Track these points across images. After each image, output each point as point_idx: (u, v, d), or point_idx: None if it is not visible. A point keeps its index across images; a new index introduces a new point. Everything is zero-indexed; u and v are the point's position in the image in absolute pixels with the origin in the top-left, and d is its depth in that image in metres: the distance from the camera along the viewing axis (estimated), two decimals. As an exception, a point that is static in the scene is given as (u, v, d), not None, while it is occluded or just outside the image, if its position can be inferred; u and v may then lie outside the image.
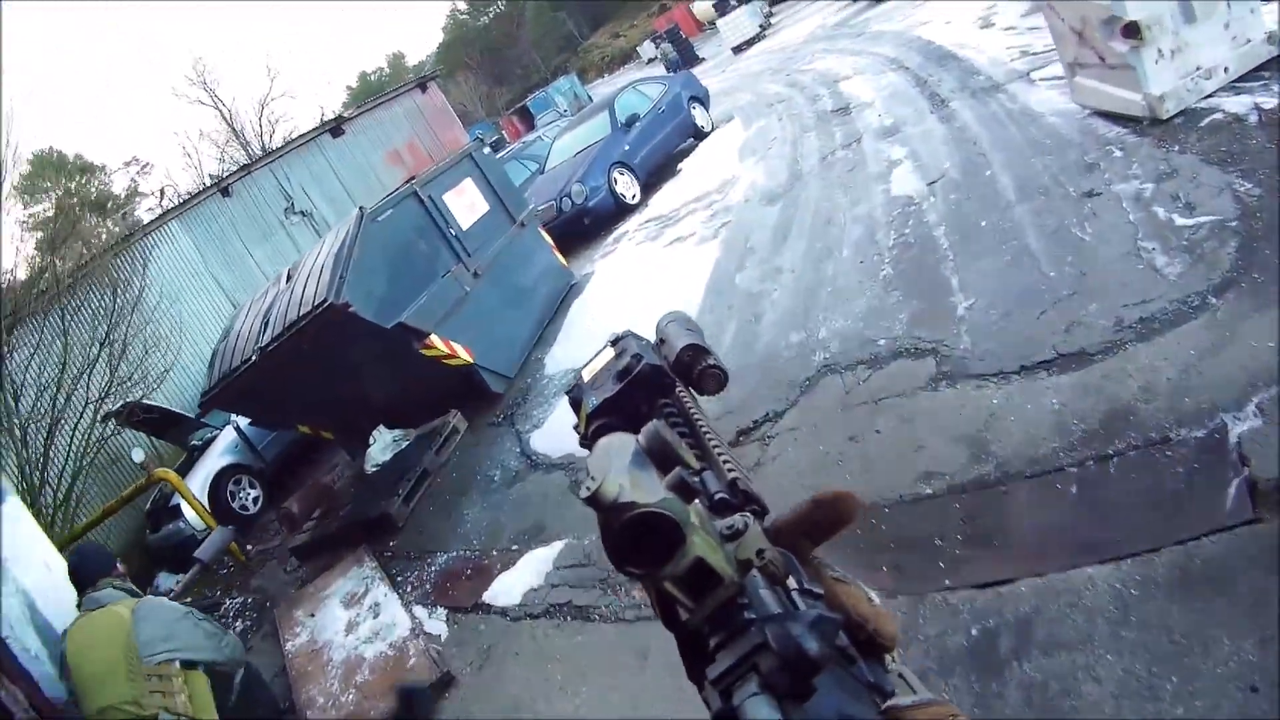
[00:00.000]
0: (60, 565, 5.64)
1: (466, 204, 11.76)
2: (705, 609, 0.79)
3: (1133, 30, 6.98)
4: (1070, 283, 5.97)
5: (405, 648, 6.92)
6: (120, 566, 5.20)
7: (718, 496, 0.94)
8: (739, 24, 36.86)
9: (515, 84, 75.45)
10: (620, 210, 16.73)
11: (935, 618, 4.19)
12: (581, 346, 10.68)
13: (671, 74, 23.66)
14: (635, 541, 0.77)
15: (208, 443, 14.63)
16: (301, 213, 24.02)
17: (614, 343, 1.35)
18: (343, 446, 11.99)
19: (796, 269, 9.22)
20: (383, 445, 10.81)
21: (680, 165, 18.22)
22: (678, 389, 1.24)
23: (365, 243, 9.68)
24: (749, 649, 0.73)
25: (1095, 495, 4.29)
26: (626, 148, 17.54)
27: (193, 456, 14.69)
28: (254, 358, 9.69)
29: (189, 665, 4.67)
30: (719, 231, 12.06)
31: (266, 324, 9.91)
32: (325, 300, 8.99)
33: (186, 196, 23.69)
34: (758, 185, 13.25)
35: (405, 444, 10.76)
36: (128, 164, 56.95)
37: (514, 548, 7.59)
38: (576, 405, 1.28)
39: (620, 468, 0.81)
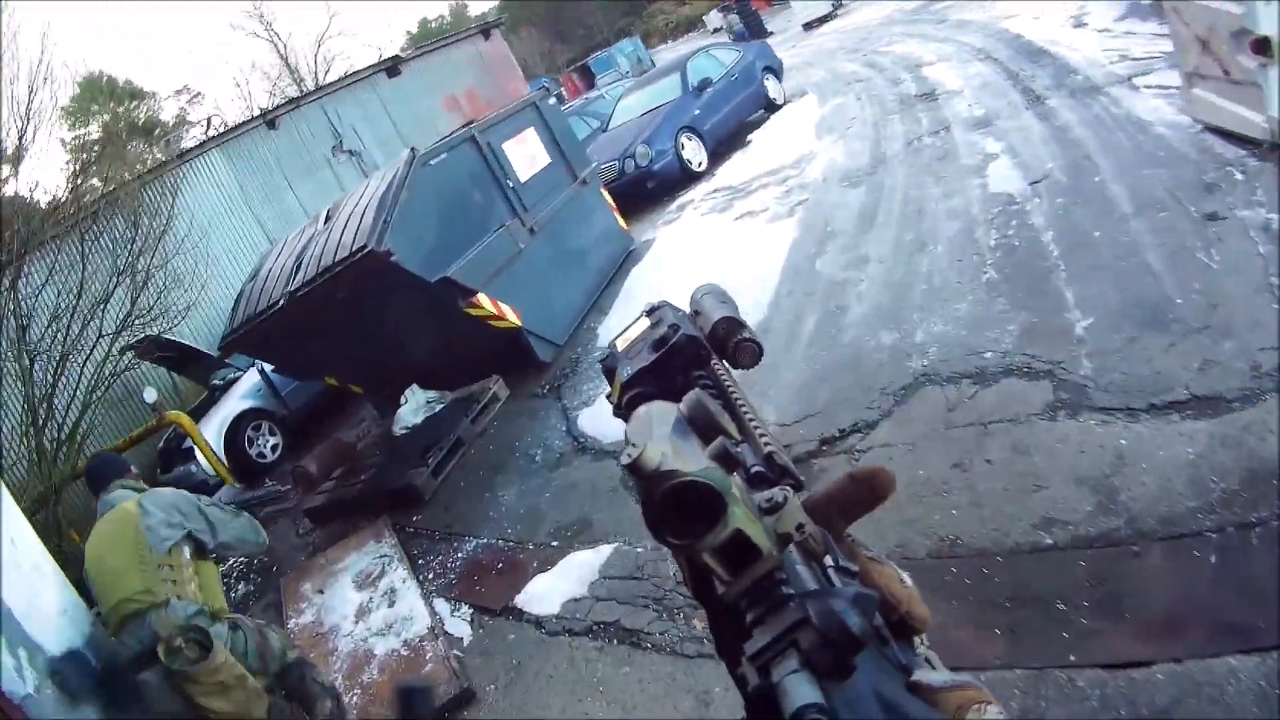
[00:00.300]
0: (28, 538, 5.02)
1: (527, 155, 10.85)
2: (743, 582, 0.79)
3: (1263, 46, 6.26)
4: (1200, 314, 5.31)
5: (422, 649, 6.06)
6: (134, 469, 5.35)
7: (754, 470, 0.94)
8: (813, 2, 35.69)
9: (577, 43, 74.32)
10: (686, 177, 15.79)
11: (1059, 700, 3.58)
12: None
13: (745, 43, 22.55)
14: (676, 511, 0.77)
15: (230, 383, 13.83)
16: (350, 152, 23.00)
17: (649, 312, 1.36)
18: (372, 404, 11.15)
19: (885, 260, 8.40)
20: (415, 406, 9.92)
21: (750, 136, 17.23)
22: (713, 361, 1.23)
23: (415, 187, 8.80)
24: (789, 625, 0.72)
25: (1238, 568, 3.74)
26: (697, 112, 16.56)
27: (213, 396, 13.92)
28: (282, 302, 8.88)
29: (200, 556, 4.84)
30: (795, 210, 11.25)
31: (299, 267, 9.08)
32: (365, 246, 8.14)
33: (230, 126, 22.70)
34: (837, 165, 12.45)
35: (439, 408, 9.90)
36: (178, 92, 56.41)
37: (554, 544, 6.73)
38: (610, 374, 1.28)
39: (662, 435, 0.83)
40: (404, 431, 9.75)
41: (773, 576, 0.78)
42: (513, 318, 9.33)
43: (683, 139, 15.88)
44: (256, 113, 24.58)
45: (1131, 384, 5.01)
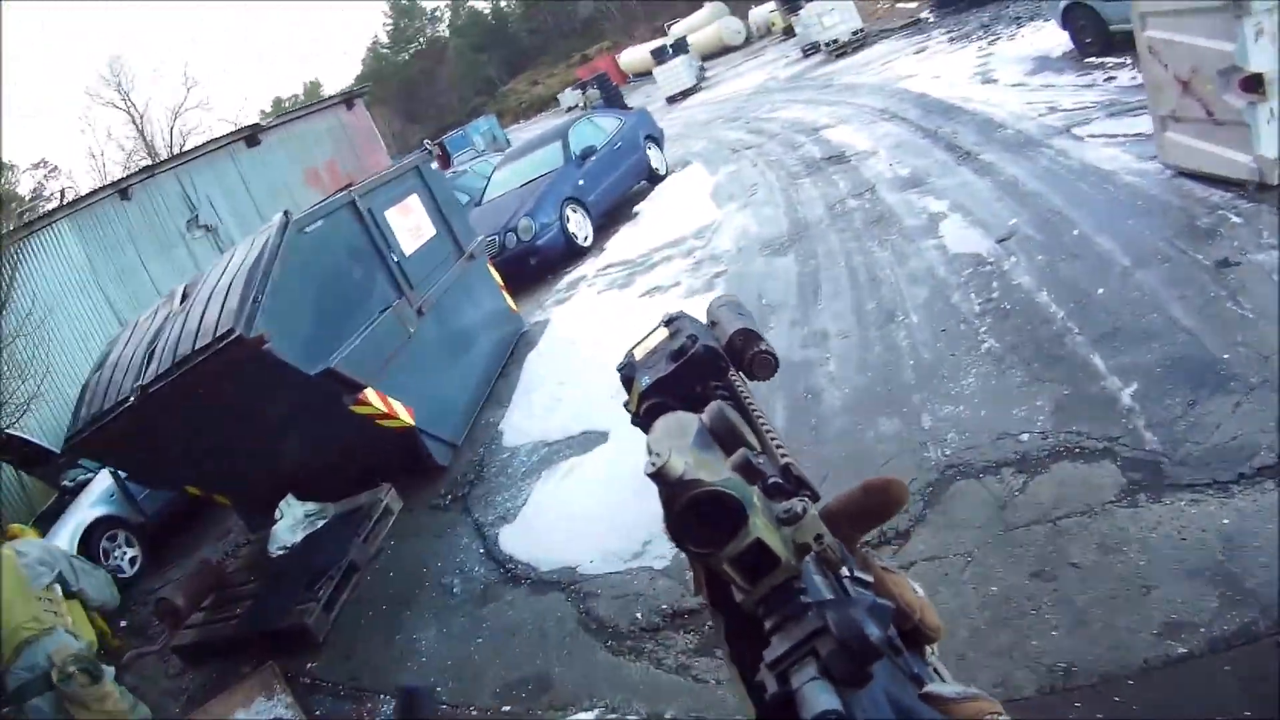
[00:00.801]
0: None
1: (411, 225, 9.54)
2: (760, 590, 0.80)
3: (1254, 83, 6.07)
4: (1254, 367, 4.77)
5: None
6: None
7: (772, 480, 0.94)
8: (676, 74, 35.84)
9: (429, 123, 73.77)
10: (571, 252, 14.72)
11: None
12: (548, 413, 8.70)
13: (625, 110, 21.69)
14: (697, 520, 0.79)
15: (81, 485, 12.07)
16: (206, 227, 21.43)
17: (668, 322, 1.38)
18: (241, 517, 9.57)
19: (849, 334, 7.48)
20: (292, 522, 8.36)
21: (637, 208, 16.31)
22: (730, 373, 1.24)
23: (289, 259, 7.40)
24: (808, 633, 0.74)
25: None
26: (581, 183, 15.51)
27: (64, 500, 12.14)
28: (131, 399, 7.33)
29: (68, 596, 5.29)
30: (713, 283, 10.35)
31: (151, 356, 7.54)
32: (232, 331, 6.72)
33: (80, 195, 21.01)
34: (750, 233, 11.70)
35: (321, 523, 8.35)
36: (36, 165, 53.89)
37: (505, 710, 5.29)
38: (628, 383, 1.28)
39: (684, 445, 0.87)
40: (281, 551, 8.19)
41: (791, 585, 0.78)
42: (405, 416, 7.95)
43: (567, 211, 14.76)
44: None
45: (1210, 454, 4.35)
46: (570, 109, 50.53)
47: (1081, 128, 9.49)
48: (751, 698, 0.84)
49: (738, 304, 1.44)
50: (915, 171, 10.74)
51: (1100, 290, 6.21)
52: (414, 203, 9.81)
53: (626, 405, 1.31)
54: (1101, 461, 4.66)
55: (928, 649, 0.89)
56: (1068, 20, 12.47)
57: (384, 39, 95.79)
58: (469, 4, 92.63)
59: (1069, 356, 5.67)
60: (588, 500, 6.70)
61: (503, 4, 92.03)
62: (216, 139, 24.16)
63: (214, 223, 21.70)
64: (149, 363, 7.46)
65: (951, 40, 19.21)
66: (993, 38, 17.23)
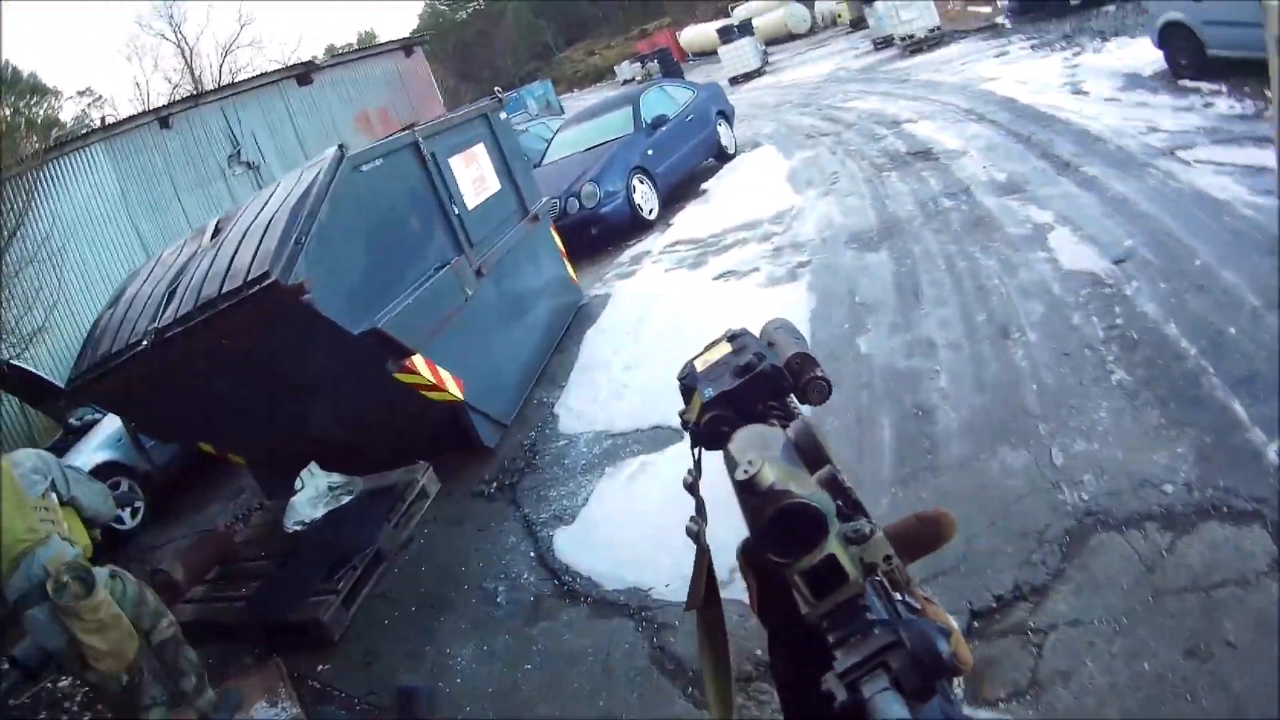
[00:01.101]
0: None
1: (474, 177, 8.59)
2: (827, 605, 0.84)
3: None
4: None
5: None
6: None
7: (837, 501, 0.96)
8: (742, 54, 34.85)
9: (484, 84, 73.00)
10: (635, 224, 13.77)
11: None
12: (613, 399, 7.84)
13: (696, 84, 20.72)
14: (780, 530, 0.84)
15: (89, 425, 11.20)
16: (248, 164, 20.43)
17: (731, 338, 1.39)
18: (257, 480, 8.64)
19: (960, 347, 6.59)
20: (313, 494, 7.42)
21: (704, 186, 15.32)
22: (789, 395, 1.26)
23: (340, 199, 6.40)
24: (880, 646, 0.78)
25: None
26: (650, 152, 14.52)
27: (68, 439, 11.26)
28: (145, 343, 6.43)
29: (62, 504, 5.11)
30: (797, 273, 9.38)
31: (171, 296, 6.63)
32: (267, 275, 5.76)
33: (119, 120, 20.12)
34: (835, 223, 10.70)
35: (346, 498, 7.40)
36: (81, 93, 53.29)
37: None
38: (688, 393, 1.33)
39: (773, 457, 0.90)
40: (298, 526, 7.25)
41: (856, 602, 0.83)
42: (454, 389, 7.02)
43: (634, 181, 13.80)
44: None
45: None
46: (627, 82, 49.79)
47: (1185, 151, 8.84)
48: (787, 710, 0.95)
49: (792, 327, 1.43)
50: (1013, 177, 9.96)
51: (1232, 329, 5.56)
52: (480, 153, 8.87)
53: (683, 414, 1.33)
54: (1252, 526, 4.10)
55: (955, 680, 0.90)
56: (1164, 39, 11.90)
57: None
58: None
59: (1207, 399, 5.02)
60: (661, 509, 5.58)
61: None
62: (267, 73, 23.18)
63: (256, 160, 20.70)
64: (168, 303, 6.54)
65: (1034, 48, 18.56)
66: (1077, 49, 16.58)
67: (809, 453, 0.94)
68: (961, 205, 9.64)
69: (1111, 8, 20.31)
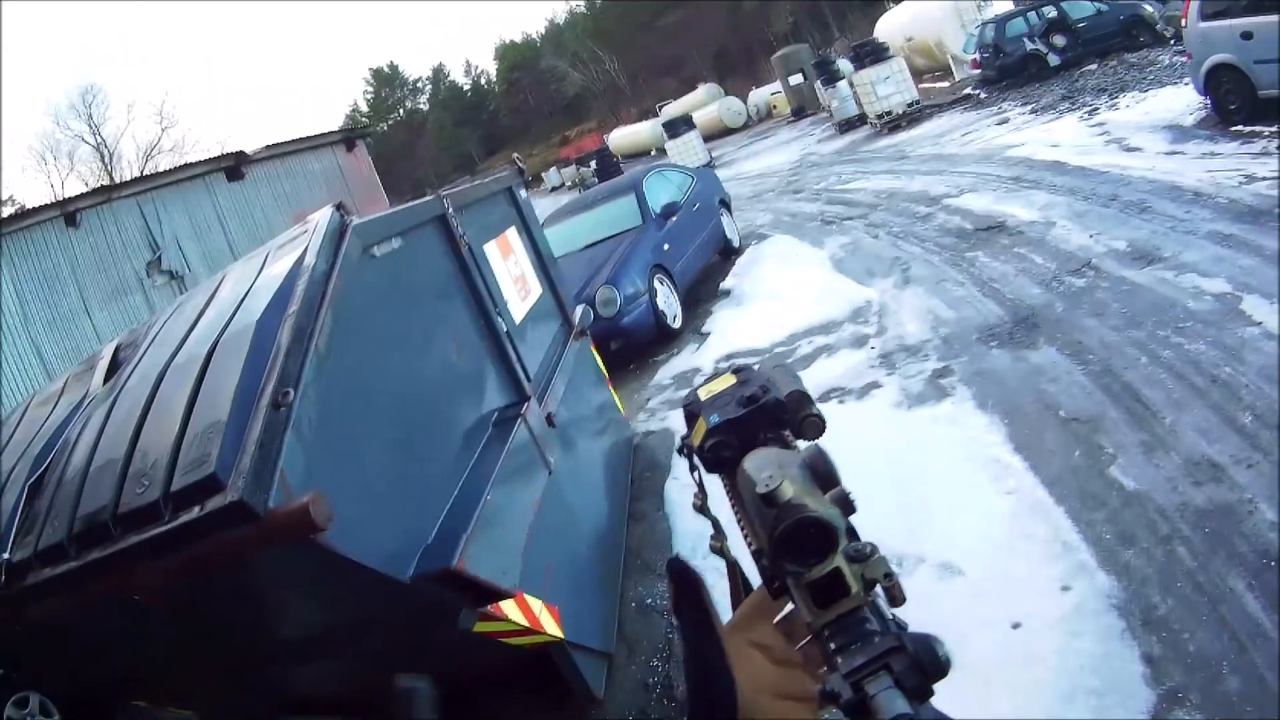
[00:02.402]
0: None
1: (515, 275, 5.75)
2: (829, 615, 0.86)
3: None
4: None
5: None
6: None
7: None
8: (690, 149, 33.34)
9: (404, 197, 72.03)
10: (661, 334, 11.01)
11: None
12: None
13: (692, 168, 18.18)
14: (795, 541, 0.86)
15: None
16: (170, 272, 17.36)
17: (736, 372, 1.29)
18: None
19: (1249, 461, 4.85)
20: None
21: (725, 285, 12.61)
22: (786, 429, 1.22)
23: (347, 307, 3.42)
24: (884, 649, 0.80)
25: None
26: (666, 247, 11.84)
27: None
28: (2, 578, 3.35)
29: None
30: (943, 386, 7.18)
31: (35, 494, 3.63)
32: (213, 482, 2.76)
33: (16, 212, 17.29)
34: (944, 316, 8.60)
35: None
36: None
37: None
38: (692, 418, 1.25)
39: (792, 475, 0.89)
40: None
41: (857, 614, 0.85)
42: (552, 626, 4.00)
43: (654, 282, 10.99)
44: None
45: None
46: (555, 189, 48.65)
47: None
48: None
49: (788, 365, 1.26)
50: (1135, 244, 8.50)
51: None
52: (514, 240, 6.07)
53: (685, 438, 1.22)
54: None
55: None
56: (1210, 85, 11.48)
57: (364, 107, 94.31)
58: (450, 78, 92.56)
59: None
60: None
61: (483, 82, 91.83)
62: (192, 164, 20.24)
63: (180, 269, 17.68)
64: (29, 512, 3.50)
65: (1034, 113, 17.84)
66: (1089, 108, 15.91)
67: (822, 475, 0.90)
68: (1100, 283, 7.94)
69: (1093, 66, 20.42)
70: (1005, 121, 18.12)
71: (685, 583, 1.11)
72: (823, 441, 1.06)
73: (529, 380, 4.92)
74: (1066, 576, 4.40)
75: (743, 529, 1.01)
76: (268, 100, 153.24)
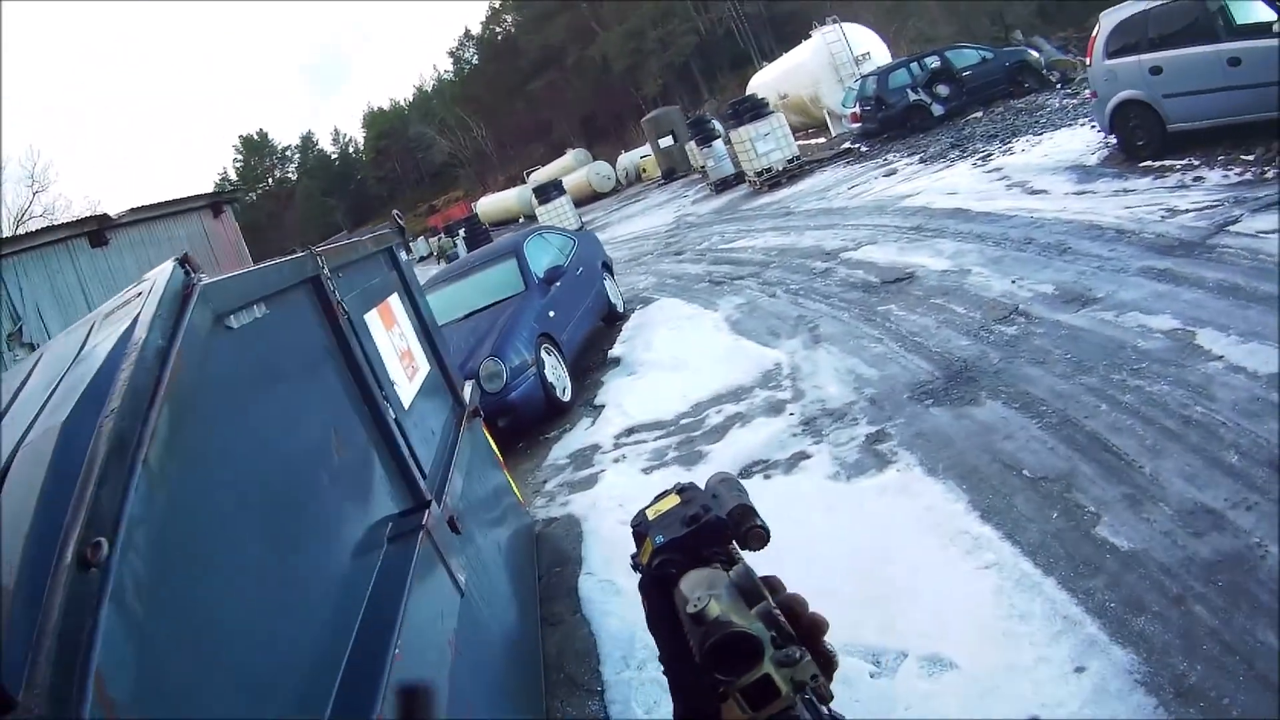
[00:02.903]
0: None
1: (399, 348, 4.84)
2: (762, 716, 0.90)
3: None
4: None
5: None
6: None
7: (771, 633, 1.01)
8: (561, 213, 32.85)
9: (275, 269, 72.46)
10: (551, 409, 10.07)
11: None
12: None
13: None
14: (724, 654, 0.92)
15: None
16: (31, 345, 15.27)
17: (679, 491, 1.33)
18: None
19: (1256, 506, 4.39)
20: None
21: (614, 353, 11.79)
22: (731, 543, 1.26)
23: (190, 411, 2.36)
24: None
25: None
26: (552, 314, 10.97)
27: None
28: None
29: None
30: (881, 452, 6.44)
31: None
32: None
33: None
34: (865, 376, 7.96)
35: None
36: None
37: None
38: (640, 538, 1.29)
39: (719, 594, 0.98)
40: None
41: (789, 713, 0.89)
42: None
43: (541, 353, 10.17)
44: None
45: None
46: (424, 258, 47.33)
47: (1235, 225, 8.07)
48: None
49: (734, 480, 1.30)
50: (1063, 287, 8.15)
51: None
52: (397, 309, 5.15)
53: (635, 557, 1.26)
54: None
55: None
56: (1116, 122, 11.66)
57: (233, 175, 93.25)
58: (318, 146, 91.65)
59: None
60: None
61: (351, 150, 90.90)
62: (53, 228, 18.75)
63: (42, 342, 15.31)
64: None
65: (923, 162, 17.78)
66: (982, 154, 15.84)
67: (748, 592, 0.97)
68: (1034, 329, 7.50)
69: (979, 114, 20.68)
70: (893, 173, 17.99)
71: None
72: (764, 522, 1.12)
73: (424, 478, 4.01)
74: (1077, 656, 3.85)
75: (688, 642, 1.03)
76: (137, 167, 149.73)
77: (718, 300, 12.58)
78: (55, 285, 16.36)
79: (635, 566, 1.28)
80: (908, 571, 4.84)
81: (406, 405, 4.40)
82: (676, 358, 10.36)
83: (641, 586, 1.23)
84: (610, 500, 7.19)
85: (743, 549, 1.26)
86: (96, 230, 18.05)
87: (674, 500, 1.34)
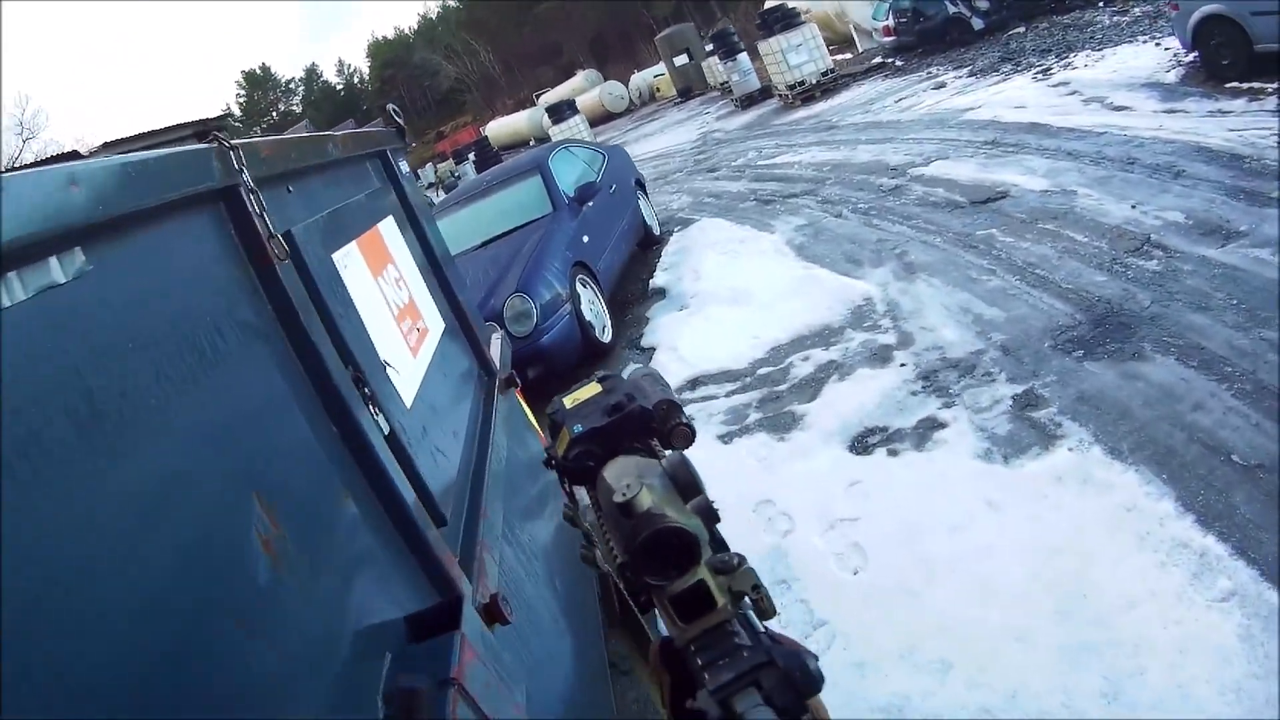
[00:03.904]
0: None
1: (393, 301, 2.98)
2: (695, 630, 0.83)
3: None
4: None
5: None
6: None
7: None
8: (577, 133, 30.61)
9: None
10: (588, 352, 8.34)
11: None
12: None
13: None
14: (654, 553, 0.84)
15: None
16: None
17: (601, 380, 1.33)
18: None
19: None
20: None
21: (657, 282, 10.16)
22: (654, 438, 1.24)
23: None
24: (753, 665, 0.77)
25: None
26: (586, 239, 9.25)
27: None
28: None
29: None
30: (1048, 425, 4.90)
31: None
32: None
33: None
34: (983, 316, 6.44)
35: None
36: None
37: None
38: (556, 428, 1.27)
39: (651, 484, 0.89)
40: None
41: (724, 628, 0.81)
42: None
43: (576, 285, 8.47)
44: None
45: None
46: (431, 185, 45.83)
47: None
48: None
49: (657, 374, 1.31)
50: (1194, 217, 6.77)
51: None
52: (393, 239, 3.38)
53: (549, 449, 1.25)
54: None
55: None
56: (1199, 38, 10.47)
57: (236, 111, 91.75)
58: (323, 78, 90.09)
59: None
60: None
61: (356, 81, 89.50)
62: (17, 170, 17.17)
63: None
64: None
65: (973, 76, 16.19)
66: (1039, 69, 14.36)
67: (683, 484, 0.89)
68: (1180, 265, 6.13)
69: (1020, 29, 19.29)
70: (942, 86, 16.42)
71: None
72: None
73: (455, 552, 2.29)
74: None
75: (606, 540, 0.96)
76: (136, 110, 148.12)
77: (771, 221, 10.95)
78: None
79: (548, 461, 1.21)
80: (1123, 605, 3.49)
81: (409, 403, 2.61)
82: (736, 289, 8.71)
83: (560, 482, 1.15)
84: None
85: (666, 447, 1.21)
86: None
87: (594, 389, 1.31)
